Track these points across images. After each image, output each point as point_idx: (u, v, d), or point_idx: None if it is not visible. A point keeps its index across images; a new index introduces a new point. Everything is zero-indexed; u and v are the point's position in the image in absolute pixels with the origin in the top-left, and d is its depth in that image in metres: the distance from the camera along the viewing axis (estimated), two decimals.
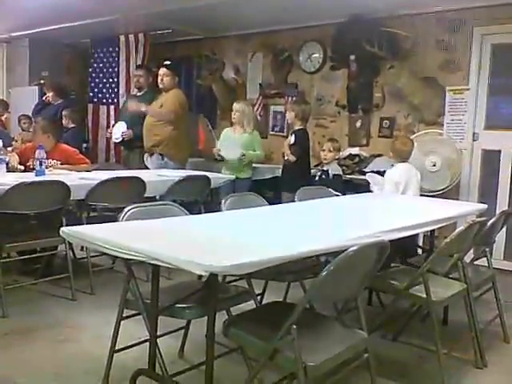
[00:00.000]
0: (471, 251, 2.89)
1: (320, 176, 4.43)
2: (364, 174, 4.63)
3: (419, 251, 4.01)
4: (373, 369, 2.00)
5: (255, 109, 5.95)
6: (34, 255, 3.60)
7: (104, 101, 6.69)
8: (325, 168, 4.39)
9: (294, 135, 4.59)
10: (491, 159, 4.66)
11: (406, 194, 3.87)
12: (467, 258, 2.75)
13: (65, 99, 5.90)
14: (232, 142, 4.83)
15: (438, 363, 2.35)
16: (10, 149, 4.79)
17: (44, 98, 5.95)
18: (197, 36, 6.39)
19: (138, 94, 5.59)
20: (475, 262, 2.97)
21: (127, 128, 5.31)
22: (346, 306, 2.26)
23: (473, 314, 2.65)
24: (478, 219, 2.62)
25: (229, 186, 4.55)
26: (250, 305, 2.26)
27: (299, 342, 1.66)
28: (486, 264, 3.01)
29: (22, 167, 4.10)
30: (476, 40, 4.63)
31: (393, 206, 3.29)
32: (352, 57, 5.15)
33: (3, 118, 6.33)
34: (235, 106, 4.92)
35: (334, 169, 4.38)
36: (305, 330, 1.76)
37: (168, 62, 5.13)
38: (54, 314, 3.11)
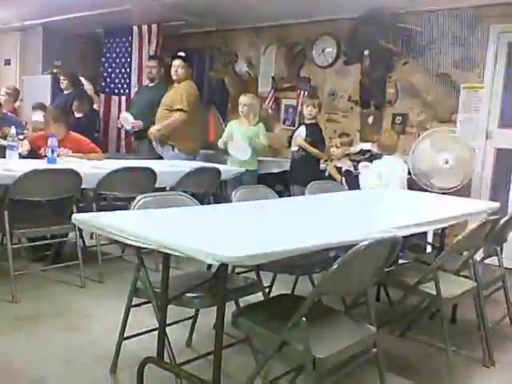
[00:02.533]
0: (482, 249, 2.87)
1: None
2: None
3: (429, 248, 3.99)
4: (381, 364, 2.00)
5: (266, 102, 5.93)
6: (45, 242, 3.62)
7: (116, 91, 6.69)
8: (338, 164, 4.38)
9: (305, 129, 4.58)
10: (504, 158, 4.61)
11: (389, 187, 3.87)
12: (477, 257, 2.73)
13: (76, 89, 5.91)
14: (240, 137, 4.83)
15: (446, 361, 2.34)
16: (21, 137, 4.80)
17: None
18: (210, 28, 6.37)
19: (150, 84, 5.62)
20: (486, 261, 2.94)
21: (134, 119, 5.34)
22: (355, 301, 2.26)
23: (482, 313, 2.63)
24: (491, 217, 2.60)
25: (236, 179, 4.54)
26: (258, 297, 2.26)
27: (308, 335, 1.66)
28: (497, 263, 2.99)
29: (26, 149, 4.09)
30: (492, 37, 4.57)
31: (405, 202, 3.27)
32: (366, 52, 5.12)
33: (16, 106, 6.35)
34: (243, 99, 4.88)
35: (345, 164, 4.37)
36: (314, 322, 1.76)
37: (183, 54, 5.14)
38: (64, 301, 3.13)
